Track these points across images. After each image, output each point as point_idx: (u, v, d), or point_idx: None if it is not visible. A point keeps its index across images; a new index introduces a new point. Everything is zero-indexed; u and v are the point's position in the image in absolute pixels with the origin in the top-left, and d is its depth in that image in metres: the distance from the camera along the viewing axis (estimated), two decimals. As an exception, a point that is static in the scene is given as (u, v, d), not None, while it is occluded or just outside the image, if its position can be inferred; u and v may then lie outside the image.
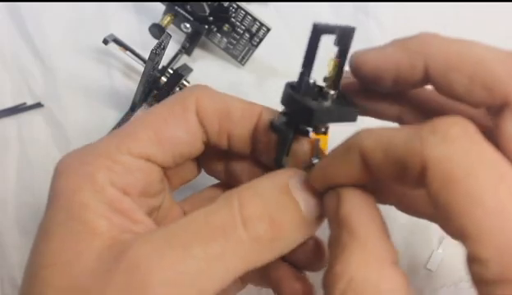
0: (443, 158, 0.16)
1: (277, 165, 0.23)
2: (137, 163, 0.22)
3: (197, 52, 0.38)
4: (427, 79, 0.21)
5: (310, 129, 0.23)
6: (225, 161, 0.26)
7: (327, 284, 0.18)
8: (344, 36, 0.23)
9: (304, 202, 0.20)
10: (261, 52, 0.36)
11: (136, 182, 0.22)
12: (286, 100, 0.23)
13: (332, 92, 0.23)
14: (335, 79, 0.23)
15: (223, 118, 0.23)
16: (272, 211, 0.20)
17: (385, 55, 0.22)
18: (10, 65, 0.36)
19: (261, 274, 0.25)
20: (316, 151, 0.23)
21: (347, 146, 0.20)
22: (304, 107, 0.22)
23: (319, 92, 0.23)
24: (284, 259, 0.24)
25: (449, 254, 0.32)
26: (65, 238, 0.20)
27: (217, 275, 0.18)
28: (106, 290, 0.18)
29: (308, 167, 0.22)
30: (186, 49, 0.37)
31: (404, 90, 0.24)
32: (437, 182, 0.16)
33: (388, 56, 0.22)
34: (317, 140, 0.23)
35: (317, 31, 0.22)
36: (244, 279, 0.26)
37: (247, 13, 0.34)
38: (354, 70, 0.23)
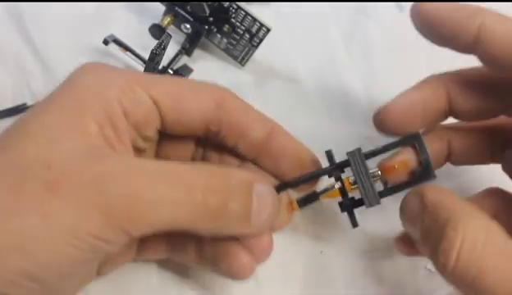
0: None
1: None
2: (147, 101, 0.24)
3: (197, 52, 0.38)
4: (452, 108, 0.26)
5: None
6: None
7: (443, 252, 0.21)
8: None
9: (257, 206, 0.23)
10: (261, 52, 0.36)
11: (137, 113, 0.24)
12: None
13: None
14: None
15: (242, 115, 0.26)
16: (229, 195, 0.22)
17: (408, 101, 0.26)
18: (10, 65, 0.36)
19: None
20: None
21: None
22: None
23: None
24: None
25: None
26: (58, 121, 0.22)
27: (164, 216, 0.21)
28: (73, 177, 0.20)
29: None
30: (186, 50, 0.37)
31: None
32: None
33: (411, 99, 0.26)
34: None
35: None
36: (176, 254, 0.28)
37: (247, 13, 0.34)
38: (381, 129, 0.27)
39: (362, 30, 0.39)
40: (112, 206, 0.20)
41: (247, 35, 0.35)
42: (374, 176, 0.26)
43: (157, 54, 0.29)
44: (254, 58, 0.37)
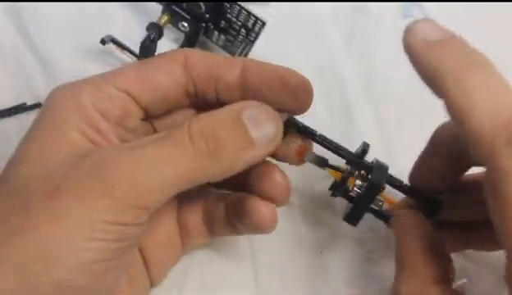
0: None
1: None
2: (118, 94, 0.25)
3: (197, 52, 0.38)
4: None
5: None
6: None
7: None
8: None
9: (255, 127, 0.23)
10: (261, 52, 0.36)
11: (114, 109, 0.25)
12: None
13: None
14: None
15: (209, 64, 0.26)
16: (217, 131, 0.22)
17: (421, 172, 0.28)
18: (10, 65, 0.36)
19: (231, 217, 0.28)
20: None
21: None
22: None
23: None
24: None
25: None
26: (43, 141, 0.23)
27: (166, 176, 0.21)
28: (69, 178, 0.21)
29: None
30: (186, 49, 0.37)
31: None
32: None
33: (424, 170, 0.27)
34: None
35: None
36: (213, 227, 0.29)
37: (241, 8, 0.34)
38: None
39: (362, 30, 0.39)
40: (115, 187, 0.20)
41: (243, 30, 0.35)
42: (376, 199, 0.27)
43: (146, 46, 0.29)
44: (254, 57, 0.37)
